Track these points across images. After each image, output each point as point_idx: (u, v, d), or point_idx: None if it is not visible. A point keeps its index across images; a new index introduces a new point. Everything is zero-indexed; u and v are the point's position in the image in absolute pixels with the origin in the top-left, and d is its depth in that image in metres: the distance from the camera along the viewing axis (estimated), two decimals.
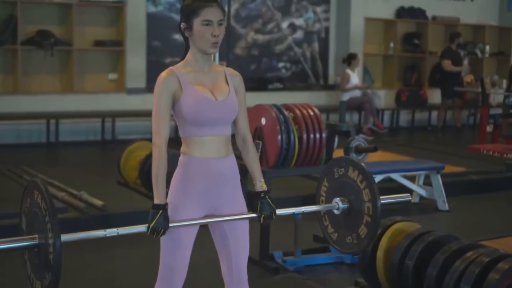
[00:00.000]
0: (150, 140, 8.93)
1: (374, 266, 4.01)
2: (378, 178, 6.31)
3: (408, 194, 3.47)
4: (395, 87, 12.24)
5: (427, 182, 6.70)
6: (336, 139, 5.24)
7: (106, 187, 6.55)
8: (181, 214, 2.78)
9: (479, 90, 10.61)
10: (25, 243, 2.54)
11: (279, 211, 2.92)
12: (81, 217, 5.40)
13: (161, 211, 2.66)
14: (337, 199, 3.14)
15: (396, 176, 6.44)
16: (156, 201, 2.69)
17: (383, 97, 11.90)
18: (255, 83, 10.96)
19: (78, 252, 4.96)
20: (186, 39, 2.81)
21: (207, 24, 2.72)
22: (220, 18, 2.74)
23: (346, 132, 4.89)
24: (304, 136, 4.57)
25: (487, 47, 13.07)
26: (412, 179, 6.70)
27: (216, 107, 2.77)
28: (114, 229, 2.66)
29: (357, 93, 10.96)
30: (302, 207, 3.18)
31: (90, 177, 7.09)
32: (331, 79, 11.98)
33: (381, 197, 3.09)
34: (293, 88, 11.39)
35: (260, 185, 2.88)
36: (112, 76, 10.16)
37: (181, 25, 2.78)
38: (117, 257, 4.97)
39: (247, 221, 2.92)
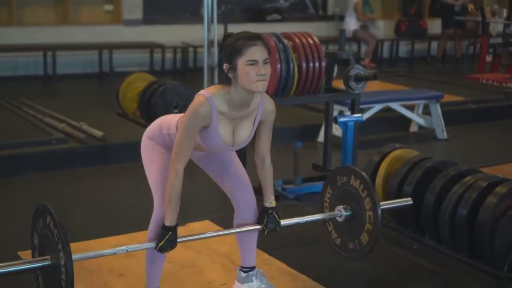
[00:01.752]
0: (147, 72, 8.88)
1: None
2: (377, 107, 6.32)
3: (409, 199, 3.54)
4: (395, 17, 12.09)
5: (426, 112, 6.71)
6: (336, 68, 5.21)
7: (105, 118, 6.55)
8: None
9: (479, 19, 10.50)
10: (38, 264, 2.66)
11: (284, 222, 3.06)
12: (81, 147, 5.41)
13: (170, 233, 2.77)
14: (340, 207, 3.26)
15: (395, 106, 6.44)
16: (167, 223, 2.77)
17: (382, 28, 11.77)
18: (253, 14, 10.83)
19: (77, 180, 5.04)
20: (228, 78, 2.69)
21: (252, 64, 2.61)
22: (266, 57, 2.63)
23: (345, 61, 4.86)
24: (304, 64, 4.54)
25: None
26: (411, 108, 6.70)
27: (227, 149, 2.83)
28: (124, 247, 2.78)
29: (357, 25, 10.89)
30: (306, 217, 3.27)
31: (89, 109, 7.08)
32: (330, 10, 11.83)
33: (382, 203, 3.24)
34: (291, 19, 11.23)
35: (270, 201, 2.98)
36: (108, 7, 10.02)
37: (224, 66, 2.66)
38: (116, 185, 5.01)
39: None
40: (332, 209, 3.35)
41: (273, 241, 3.84)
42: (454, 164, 3.88)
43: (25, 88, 8.48)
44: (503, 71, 9.42)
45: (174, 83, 6.59)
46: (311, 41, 4.65)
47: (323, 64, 4.62)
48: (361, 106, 5.46)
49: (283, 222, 3.05)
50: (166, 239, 2.75)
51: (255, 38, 2.64)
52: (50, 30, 9.47)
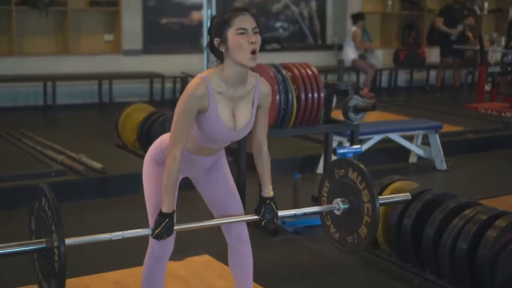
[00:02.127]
0: (147, 102, 8.91)
1: None
2: (376, 138, 6.32)
3: (408, 194, 3.49)
4: (393, 46, 12.17)
5: (425, 142, 6.70)
6: (335, 99, 5.23)
7: (104, 150, 6.54)
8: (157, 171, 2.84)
9: (478, 48, 10.55)
10: (33, 247, 2.63)
11: (281, 213, 3.00)
12: (81, 180, 5.39)
13: (167, 220, 2.71)
14: (338, 200, 3.20)
15: (394, 136, 6.44)
16: (164, 209, 2.71)
17: (381, 57, 11.84)
18: None
19: (76, 213, 5.01)
20: (220, 54, 2.66)
21: (242, 33, 2.59)
22: (254, 26, 2.61)
23: (344, 91, 4.87)
24: (303, 95, 4.55)
25: (486, 4, 12.96)
26: (410, 139, 6.71)
27: (230, 136, 2.77)
28: (120, 233, 2.73)
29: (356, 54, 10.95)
30: (304, 209, 3.23)
31: (89, 140, 7.08)
32: (329, 39, 11.90)
33: (380, 197, 3.19)
34: (291, 48, 11.30)
35: (268, 191, 2.92)
36: (108, 37, 10.08)
37: (214, 41, 2.64)
38: (116, 218, 4.99)
39: (230, 178, 2.98)
40: (330, 202, 3.27)
41: (273, 275, 3.82)
42: (454, 196, 3.87)
43: (25, 118, 8.50)
44: (501, 100, 9.44)
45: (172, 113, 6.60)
46: (309, 72, 4.66)
47: (322, 95, 4.63)
48: (360, 137, 5.46)
49: (281, 213, 2.97)
50: (163, 226, 2.67)
51: (242, 9, 2.66)
52: (50, 60, 9.52)
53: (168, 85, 10.20)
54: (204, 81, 2.63)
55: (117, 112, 6.96)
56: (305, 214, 3.24)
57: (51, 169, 5.40)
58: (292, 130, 4.72)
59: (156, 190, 2.83)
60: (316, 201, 5.22)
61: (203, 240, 4.45)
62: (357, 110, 4.78)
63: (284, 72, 4.61)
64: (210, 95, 2.64)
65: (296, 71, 4.65)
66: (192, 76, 10.08)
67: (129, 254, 4.10)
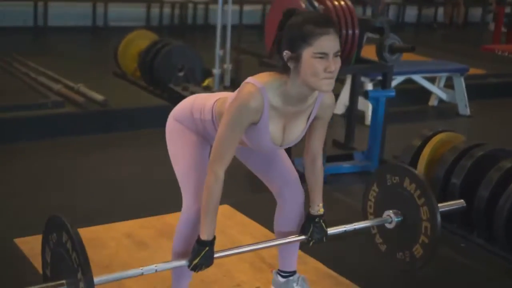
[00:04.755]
0: (145, 28, 8.38)
1: None
2: (399, 79, 5.89)
3: (463, 201, 3.06)
4: None
5: (448, 85, 6.28)
6: (365, 37, 4.74)
7: (102, 78, 6.05)
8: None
9: None
10: None
11: (331, 231, 2.63)
12: (80, 113, 4.91)
13: (207, 249, 2.30)
14: (390, 212, 2.84)
15: (418, 78, 6.00)
16: (203, 236, 2.29)
17: None
18: None
19: (77, 150, 4.56)
20: (285, 66, 2.19)
21: (321, 57, 2.11)
22: (337, 49, 2.14)
23: (379, 29, 4.38)
24: None
25: None
26: (431, 80, 6.27)
27: (274, 149, 2.37)
28: (152, 266, 2.31)
29: None
30: (354, 224, 2.82)
31: (84, 67, 6.58)
32: None
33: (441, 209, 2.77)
34: None
35: (318, 209, 2.53)
36: None
37: (284, 53, 2.16)
38: (121, 157, 4.54)
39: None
40: (378, 210, 2.92)
41: None
42: (509, 153, 3.45)
43: (13, 41, 7.90)
44: None
45: (180, 43, 6.09)
46: (344, 5, 4.17)
47: (357, 31, 4.16)
48: (379, 78, 5.07)
49: (330, 231, 2.62)
50: (202, 255, 2.29)
51: (327, 24, 2.12)
52: None
53: (167, 10, 9.59)
54: (261, 92, 2.17)
55: (116, 39, 6.41)
56: (355, 230, 2.83)
57: (48, 100, 4.91)
58: None
59: (188, 155, 2.42)
60: (337, 146, 4.84)
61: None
62: (393, 50, 4.31)
63: (316, 4, 4.13)
64: (264, 109, 2.20)
65: (329, 3, 4.15)
66: (192, 2, 9.62)
67: (144, 200, 3.71)
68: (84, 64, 6.76)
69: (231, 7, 5.69)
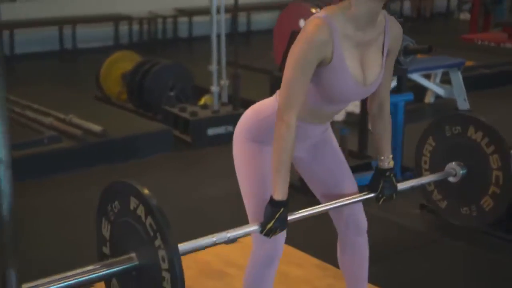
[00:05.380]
0: (112, 46, 8.06)
1: None
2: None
3: None
4: None
5: (443, 80, 6.16)
6: None
7: (85, 104, 5.73)
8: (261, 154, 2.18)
9: None
10: (122, 267, 1.89)
11: (401, 186, 2.45)
12: (79, 146, 4.58)
13: (282, 210, 2.05)
14: (453, 165, 2.65)
15: (416, 77, 5.84)
16: (277, 196, 2.05)
17: None
18: None
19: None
20: None
21: None
22: None
23: None
24: None
25: None
26: (426, 77, 6.13)
27: (360, 92, 2.13)
28: (224, 233, 2.05)
29: None
30: (421, 178, 2.65)
31: (64, 94, 6.28)
32: None
33: None
34: None
35: (388, 161, 2.34)
36: None
37: None
38: None
39: (339, 150, 2.37)
40: (436, 164, 2.73)
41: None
42: None
43: None
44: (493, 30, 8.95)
45: (168, 62, 5.84)
46: None
47: None
48: None
49: (400, 186, 2.43)
50: (277, 217, 2.04)
51: None
52: (4, 4, 8.44)
53: (135, 27, 9.30)
54: (326, 22, 1.98)
55: (87, 60, 6.15)
56: (422, 185, 2.69)
57: (43, 135, 4.58)
58: None
59: (261, 177, 2.16)
60: (353, 156, 4.64)
61: None
62: (408, 52, 4.13)
63: None
64: (335, 40, 1.99)
65: None
66: (163, 17, 9.33)
67: None
68: (63, 91, 6.44)
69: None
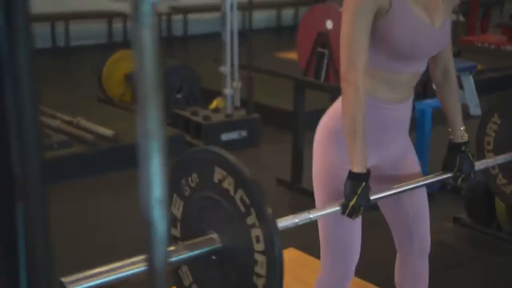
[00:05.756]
0: (106, 44, 7.91)
1: (491, 199, 3.36)
2: None
3: None
4: None
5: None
6: None
7: (90, 106, 5.54)
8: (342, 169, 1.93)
9: None
10: (200, 250, 1.63)
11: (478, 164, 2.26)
12: (92, 152, 4.38)
13: (363, 184, 1.83)
14: None
15: None
16: (357, 168, 1.83)
17: None
18: None
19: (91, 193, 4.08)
20: None
21: None
22: None
23: None
24: None
25: None
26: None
27: (433, 38, 1.91)
28: (305, 213, 1.82)
29: None
30: (498, 157, 2.42)
31: (64, 94, 6.06)
32: None
33: None
34: None
35: (462, 134, 2.13)
36: None
37: None
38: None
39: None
40: (502, 145, 2.50)
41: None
42: None
43: None
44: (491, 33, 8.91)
45: (175, 62, 5.66)
46: None
47: None
48: None
49: (478, 164, 2.25)
50: (359, 193, 1.81)
51: None
52: None
53: (129, 24, 9.08)
54: None
55: (80, 58, 5.94)
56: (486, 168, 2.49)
57: (52, 139, 4.37)
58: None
59: (322, 169, 2.01)
60: None
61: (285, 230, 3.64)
62: None
63: None
64: None
65: None
66: (158, 14, 9.10)
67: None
68: (62, 91, 6.23)
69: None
